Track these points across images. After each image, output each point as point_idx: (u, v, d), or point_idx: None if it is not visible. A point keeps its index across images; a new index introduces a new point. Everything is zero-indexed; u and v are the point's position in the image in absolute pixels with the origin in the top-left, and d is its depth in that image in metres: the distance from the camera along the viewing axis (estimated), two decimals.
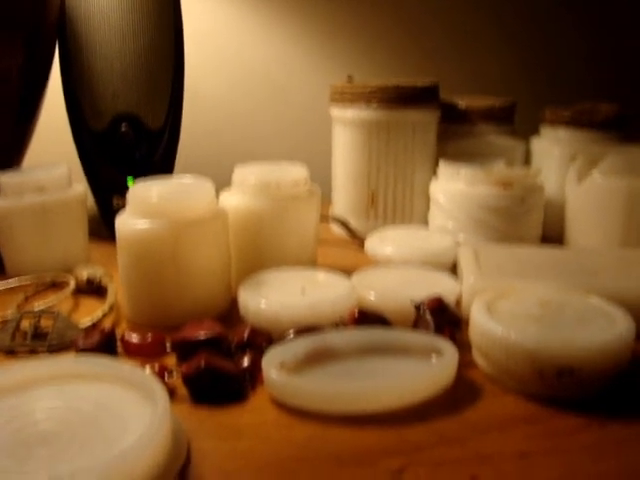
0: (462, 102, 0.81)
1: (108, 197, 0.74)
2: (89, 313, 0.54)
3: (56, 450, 0.33)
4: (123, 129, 0.71)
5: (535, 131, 0.81)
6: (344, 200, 0.78)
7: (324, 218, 0.69)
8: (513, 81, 1.09)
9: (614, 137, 0.74)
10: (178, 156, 0.76)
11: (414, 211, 0.76)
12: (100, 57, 0.70)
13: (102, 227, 0.75)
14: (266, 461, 0.36)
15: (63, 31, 0.70)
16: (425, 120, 0.75)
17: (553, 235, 0.72)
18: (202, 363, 0.41)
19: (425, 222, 0.75)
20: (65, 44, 0.71)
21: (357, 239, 0.75)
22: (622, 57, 1.17)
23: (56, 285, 0.61)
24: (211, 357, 0.42)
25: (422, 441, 0.38)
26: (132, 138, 0.72)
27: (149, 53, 0.71)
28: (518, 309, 0.47)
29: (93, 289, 0.59)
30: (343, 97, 0.75)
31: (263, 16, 0.99)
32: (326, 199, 0.63)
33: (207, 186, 0.54)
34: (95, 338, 0.46)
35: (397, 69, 1.03)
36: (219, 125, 1.00)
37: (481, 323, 0.44)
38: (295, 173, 0.60)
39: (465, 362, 0.45)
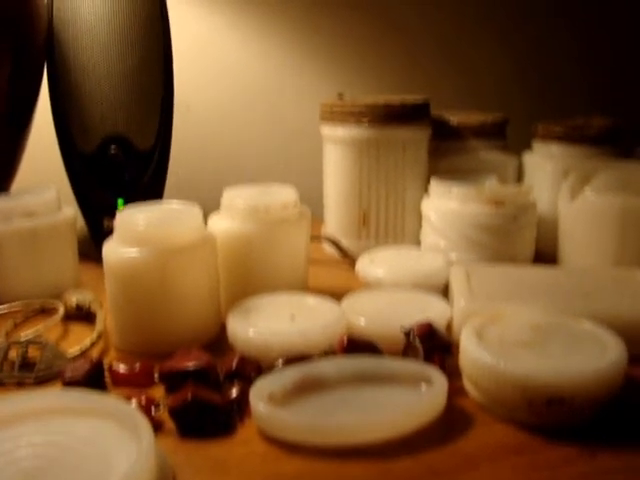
0: (453, 118, 0.80)
1: (98, 219, 0.73)
2: (78, 341, 0.54)
3: None
4: (112, 151, 0.71)
5: (527, 146, 0.80)
6: (335, 219, 0.78)
7: (315, 238, 0.69)
8: (505, 95, 1.09)
9: (607, 152, 0.73)
10: (168, 174, 0.75)
11: (406, 230, 0.76)
12: (88, 78, 0.70)
13: (92, 249, 0.74)
14: None
15: (51, 52, 0.70)
16: (416, 138, 0.74)
17: (546, 252, 0.72)
18: (189, 395, 0.41)
19: (417, 240, 0.75)
20: (53, 65, 0.71)
21: (349, 259, 0.74)
22: (616, 71, 1.17)
23: (45, 311, 0.60)
24: (198, 389, 0.42)
25: (411, 474, 0.37)
26: (121, 160, 0.71)
27: (138, 74, 0.71)
28: (508, 335, 0.46)
29: (82, 315, 0.59)
30: (333, 115, 0.74)
31: (254, 34, 0.98)
32: (317, 218, 0.62)
33: (195, 212, 0.54)
34: (82, 370, 0.46)
35: (389, 85, 1.03)
36: (209, 142, 1.00)
37: (470, 351, 0.44)
38: (284, 196, 0.59)
39: (455, 389, 0.45)
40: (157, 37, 0.72)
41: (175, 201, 0.57)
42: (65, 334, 0.57)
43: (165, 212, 0.55)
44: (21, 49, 0.66)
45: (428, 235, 0.71)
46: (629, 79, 1.16)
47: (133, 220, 0.52)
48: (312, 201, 0.63)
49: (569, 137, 0.74)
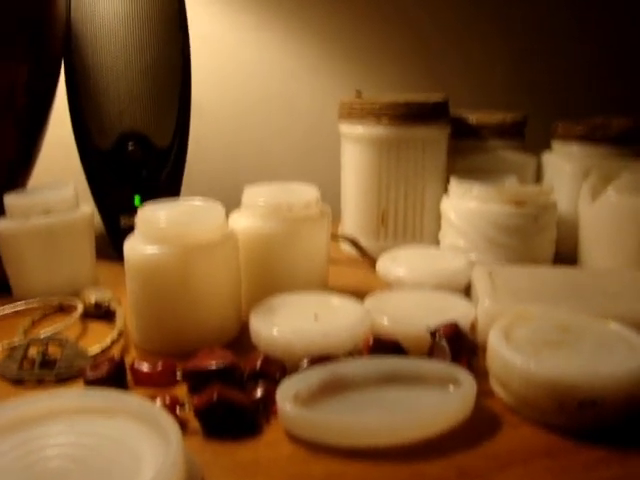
0: (472, 117, 0.80)
1: (115, 216, 0.73)
2: (97, 339, 0.53)
3: None
4: (130, 147, 0.70)
5: (544, 146, 0.80)
6: (354, 218, 0.77)
7: (333, 237, 0.68)
8: (521, 94, 1.08)
9: (628, 152, 0.72)
10: (185, 171, 0.75)
11: (424, 229, 0.75)
12: (106, 75, 0.70)
13: (109, 247, 0.74)
14: None
15: (69, 48, 0.70)
16: (436, 136, 0.74)
17: (565, 254, 0.71)
18: (215, 396, 0.40)
19: (436, 240, 0.74)
20: (71, 61, 0.70)
21: (367, 258, 0.74)
22: (635, 71, 1.16)
23: (63, 309, 0.60)
24: (224, 389, 0.41)
25: (441, 476, 0.37)
26: (139, 156, 0.71)
27: (156, 70, 0.71)
28: (536, 335, 0.46)
29: (101, 313, 0.58)
30: (352, 114, 0.74)
31: (270, 30, 0.98)
32: (334, 216, 0.62)
33: (217, 209, 0.53)
34: (104, 369, 0.45)
35: (404, 84, 1.02)
36: (225, 141, 0.99)
37: (499, 352, 0.43)
38: (307, 194, 0.59)
39: (483, 391, 0.44)
40: (175, 34, 0.71)
41: (197, 198, 0.56)
42: (84, 332, 0.57)
43: (187, 209, 0.54)
44: (39, 46, 0.66)
45: (447, 235, 0.70)
46: None
47: (155, 217, 0.51)
48: (328, 199, 0.62)
49: (589, 137, 0.74)
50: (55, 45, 0.69)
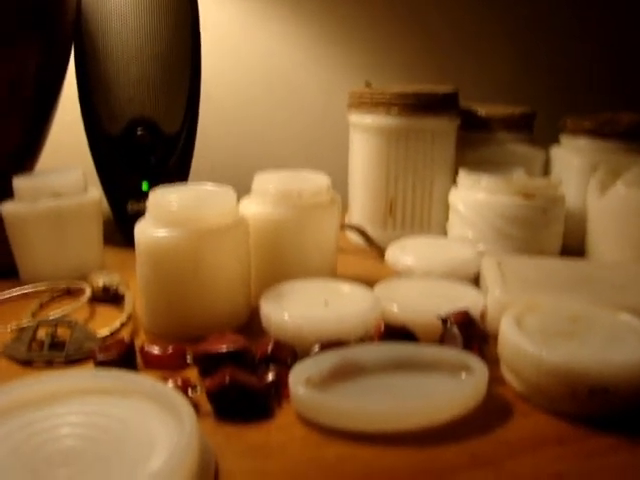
0: (482, 109, 0.80)
1: (123, 202, 0.73)
2: (106, 322, 0.53)
3: (80, 470, 0.32)
4: (139, 133, 0.70)
5: (552, 140, 0.80)
6: (361, 207, 0.77)
7: (340, 226, 0.68)
8: (528, 88, 1.08)
9: (636, 147, 0.72)
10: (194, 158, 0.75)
11: (432, 220, 0.75)
12: (116, 61, 0.69)
13: (116, 232, 0.74)
14: None
15: (79, 33, 0.69)
16: (445, 128, 0.74)
17: (573, 247, 0.71)
18: (227, 378, 0.40)
19: (443, 231, 0.74)
20: (81, 46, 0.70)
21: (375, 248, 0.73)
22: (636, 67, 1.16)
23: (71, 292, 0.60)
24: (236, 372, 0.41)
25: (454, 462, 0.37)
26: (148, 142, 0.71)
27: (166, 57, 0.70)
28: (548, 325, 0.46)
29: (109, 297, 0.58)
30: (362, 103, 0.74)
31: (279, 19, 0.98)
32: (341, 205, 0.62)
33: (229, 194, 0.53)
34: (114, 351, 0.45)
35: (412, 77, 1.02)
36: (232, 129, 0.99)
37: (512, 340, 0.43)
38: (317, 181, 0.59)
39: (493, 378, 0.44)
40: (185, 21, 0.71)
41: (209, 183, 0.56)
42: (92, 315, 0.57)
43: (199, 193, 0.54)
44: (49, 32, 0.66)
45: (455, 226, 0.70)
46: None
47: (166, 201, 0.51)
48: (335, 187, 0.62)
49: (598, 132, 0.74)
50: (65, 30, 0.68)
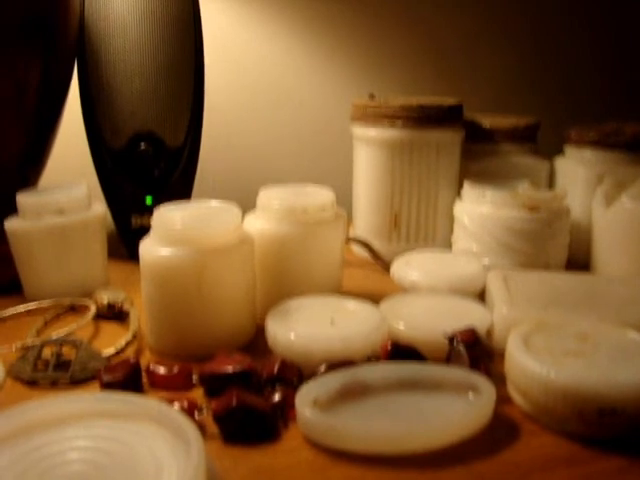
0: (486, 121, 0.79)
1: (127, 216, 0.72)
2: (111, 340, 0.53)
3: None
4: (142, 147, 0.70)
5: (556, 150, 0.79)
6: (366, 220, 0.77)
7: (345, 239, 0.68)
8: (532, 100, 1.08)
9: None
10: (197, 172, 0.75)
11: (437, 233, 0.75)
12: (119, 74, 0.69)
13: (120, 246, 0.74)
14: None
15: (82, 47, 0.69)
16: (449, 140, 0.73)
17: (578, 259, 0.71)
18: (234, 401, 0.40)
19: (448, 244, 0.74)
20: (84, 61, 0.70)
21: (380, 261, 0.73)
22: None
23: (75, 309, 0.60)
24: (242, 394, 0.41)
25: None
26: (151, 156, 0.71)
27: (169, 70, 0.70)
28: (555, 344, 0.45)
29: (114, 314, 0.58)
30: (366, 116, 0.73)
31: (281, 30, 0.97)
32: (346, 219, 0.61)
33: (234, 212, 0.53)
34: (120, 371, 0.45)
35: (416, 87, 1.02)
36: (235, 142, 0.99)
37: (519, 360, 0.43)
38: (322, 197, 0.58)
39: (500, 397, 0.44)
40: (189, 34, 0.71)
41: (214, 200, 0.56)
42: (97, 333, 0.56)
43: (203, 211, 0.54)
44: (52, 45, 0.66)
45: (460, 239, 0.70)
46: None
47: (171, 219, 0.51)
48: (338, 201, 0.61)
49: (603, 143, 0.73)
50: (68, 43, 0.68)
